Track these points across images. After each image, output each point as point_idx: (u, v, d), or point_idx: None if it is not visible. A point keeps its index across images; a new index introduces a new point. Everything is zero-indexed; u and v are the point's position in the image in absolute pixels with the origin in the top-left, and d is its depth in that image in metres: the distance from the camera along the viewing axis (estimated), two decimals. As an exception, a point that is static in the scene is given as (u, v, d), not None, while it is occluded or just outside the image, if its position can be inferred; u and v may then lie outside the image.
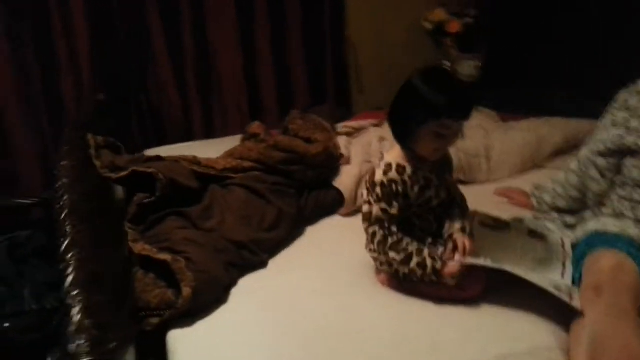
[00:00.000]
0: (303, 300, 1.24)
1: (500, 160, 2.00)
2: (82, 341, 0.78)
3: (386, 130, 2.13)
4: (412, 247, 1.21)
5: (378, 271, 1.30)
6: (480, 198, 1.75)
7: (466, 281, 1.22)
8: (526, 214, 1.57)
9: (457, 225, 1.29)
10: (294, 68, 2.84)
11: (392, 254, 1.20)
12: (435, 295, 1.23)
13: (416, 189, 1.23)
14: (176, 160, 1.50)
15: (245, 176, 1.50)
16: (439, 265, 1.19)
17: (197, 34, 2.56)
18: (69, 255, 0.95)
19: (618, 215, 1.35)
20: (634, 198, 1.32)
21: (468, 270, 1.20)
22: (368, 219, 1.22)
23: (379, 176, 1.21)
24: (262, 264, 1.36)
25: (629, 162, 1.33)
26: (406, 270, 1.20)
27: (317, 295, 1.26)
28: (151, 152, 2.10)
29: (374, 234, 1.21)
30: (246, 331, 1.15)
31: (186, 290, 1.13)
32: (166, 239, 1.26)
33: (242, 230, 1.35)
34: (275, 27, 2.72)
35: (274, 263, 1.40)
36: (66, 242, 0.98)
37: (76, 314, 0.84)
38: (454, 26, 2.89)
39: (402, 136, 1.22)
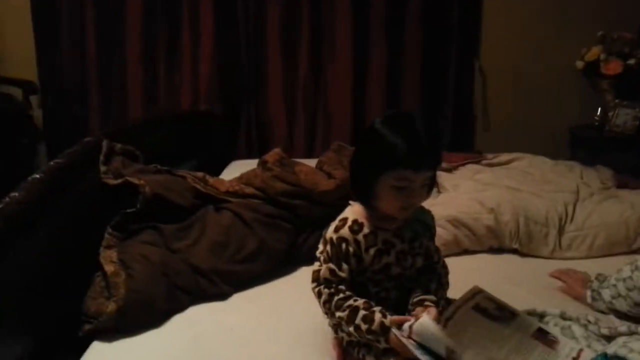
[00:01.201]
0: (233, 345, 1.13)
1: (578, 237, 1.64)
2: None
3: (449, 178, 1.92)
4: (360, 302, 1.00)
5: (334, 342, 1.11)
6: (528, 274, 1.49)
7: None
8: (556, 311, 1.23)
9: (430, 297, 1.06)
10: (407, 94, 2.78)
11: (338, 313, 1.00)
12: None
13: (371, 252, 1.03)
14: (184, 176, 1.52)
15: (241, 202, 1.45)
16: (387, 322, 0.97)
17: (312, 51, 2.71)
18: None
19: None
20: None
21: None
22: (316, 278, 1.04)
23: (330, 232, 1.05)
24: (221, 296, 1.28)
25: None
26: (351, 329, 0.99)
27: (252, 345, 1.14)
28: (239, 164, 2.26)
29: (319, 294, 1.03)
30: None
31: (111, 306, 1.12)
32: (128, 250, 1.27)
33: (209, 258, 1.29)
34: (392, 49, 2.72)
35: (239, 296, 1.32)
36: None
37: None
38: (614, 67, 2.51)
39: (360, 190, 1.05)
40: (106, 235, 1.34)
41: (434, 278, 1.12)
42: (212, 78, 2.72)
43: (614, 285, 1.27)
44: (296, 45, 2.70)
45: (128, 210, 1.36)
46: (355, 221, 1.04)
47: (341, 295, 1.00)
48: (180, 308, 1.24)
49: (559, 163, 2.09)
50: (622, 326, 1.11)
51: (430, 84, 2.79)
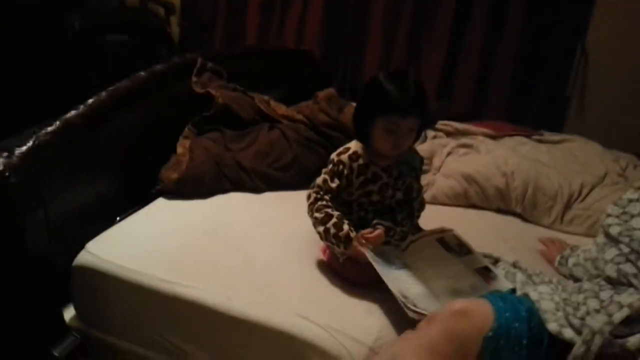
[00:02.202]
0: (248, 225, 1.50)
1: (582, 215, 1.78)
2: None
3: (489, 144, 2.09)
4: (336, 213, 1.29)
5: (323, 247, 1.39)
6: (521, 236, 1.68)
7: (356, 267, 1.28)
8: (510, 259, 1.42)
9: (387, 223, 1.33)
10: (499, 72, 2.84)
11: (316, 214, 1.30)
12: (339, 271, 1.32)
13: (361, 178, 1.32)
14: (252, 97, 1.91)
15: (290, 125, 1.81)
16: (353, 235, 1.25)
17: (412, 26, 2.85)
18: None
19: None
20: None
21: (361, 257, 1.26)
22: (313, 184, 1.36)
23: (334, 154, 1.36)
24: (256, 190, 1.68)
25: None
26: (321, 229, 1.28)
27: (262, 230, 1.48)
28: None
29: (309, 196, 1.34)
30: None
31: (174, 175, 1.57)
32: (197, 142, 1.71)
33: (253, 160, 1.69)
34: (491, 29, 2.76)
35: (269, 194, 1.70)
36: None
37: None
38: None
39: (359, 130, 1.32)
40: (186, 129, 1.79)
41: (405, 210, 1.39)
42: (317, 26, 3.01)
43: (578, 255, 1.45)
44: (399, 11, 2.85)
45: (204, 114, 1.80)
46: (355, 152, 1.33)
47: (324, 202, 1.30)
48: (224, 190, 1.66)
49: (609, 152, 2.15)
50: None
51: (525, 61, 2.83)
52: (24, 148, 1.20)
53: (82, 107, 1.39)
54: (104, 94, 1.48)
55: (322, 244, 1.36)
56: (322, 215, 1.29)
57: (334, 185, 1.32)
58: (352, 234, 1.26)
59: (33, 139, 1.23)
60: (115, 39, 3.11)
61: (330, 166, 1.35)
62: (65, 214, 1.29)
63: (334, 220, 1.27)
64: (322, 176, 1.35)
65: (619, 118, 2.83)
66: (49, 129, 1.28)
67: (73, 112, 1.36)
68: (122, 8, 3.42)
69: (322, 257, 1.38)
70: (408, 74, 1.31)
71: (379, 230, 1.29)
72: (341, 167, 1.32)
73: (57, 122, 1.30)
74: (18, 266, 1.19)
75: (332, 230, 1.26)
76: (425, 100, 1.29)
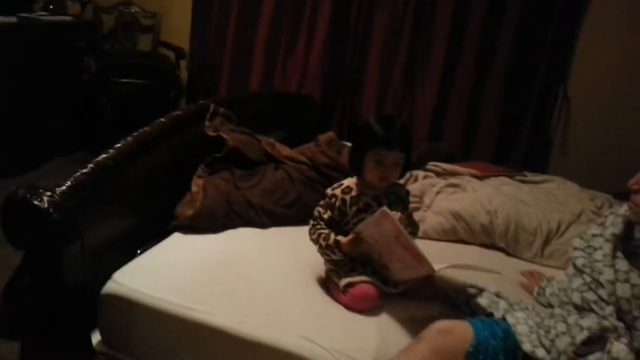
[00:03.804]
0: (255, 257, 1.67)
1: (560, 250, 1.95)
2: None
3: (475, 183, 2.27)
4: (325, 230, 1.50)
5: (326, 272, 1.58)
6: (504, 268, 1.81)
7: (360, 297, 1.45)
8: (493, 289, 1.56)
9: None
10: (486, 111, 3.06)
11: (313, 236, 1.53)
12: (339, 300, 1.49)
13: (354, 209, 1.52)
14: (259, 139, 2.10)
15: (293, 165, 2.00)
16: (339, 239, 1.46)
17: (406, 65, 3.10)
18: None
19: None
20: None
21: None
22: (312, 215, 1.56)
23: (329, 189, 1.57)
24: (263, 225, 1.85)
25: None
26: (317, 247, 1.50)
27: (267, 262, 1.64)
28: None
29: (310, 224, 1.55)
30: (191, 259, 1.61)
31: (189, 212, 1.74)
32: (209, 181, 1.88)
33: (260, 198, 1.86)
34: (479, 68, 3.01)
35: (276, 229, 1.87)
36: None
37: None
38: None
39: (354, 164, 1.54)
40: (199, 168, 1.97)
41: None
42: (318, 69, 3.26)
43: (553, 285, 1.61)
44: (394, 57, 3.11)
45: (216, 155, 1.98)
46: (347, 186, 1.55)
47: (318, 227, 1.52)
48: (233, 226, 1.82)
49: (585, 191, 2.34)
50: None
51: (510, 104, 3.04)
52: (64, 187, 1.37)
53: (111, 150, 1.57)
54: (130, 138, 1.66)
55: (323, 270, 1.56)
56: (316, 236, 1.52)
57: (326, 216, 1.54)
58: (339, 238, 1.47)
59: (71, 179, 1.40)
60: (128, 81, 3.33)
61: (325, 199, 1.56)
62: (96, 246, 1.45)
63: (323, 235, 1.50)
64: (318, 208, 1.57)
65: (599, 159, 3.02)
66: (84, 170, 1.45)
67: (104, 155, 1.54)
68: (135, 52, 3.66)
69: (332, 294, 1.52)
70: (394, 117, 1.54)
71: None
72: (334, 199, 1.54)
73: (91, 165, 1.48)
74: (55, 294, 1.34)
75: (324, 243, 1.49)
76: (409, 138, 1.52)
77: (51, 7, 3.43)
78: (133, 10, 3.63)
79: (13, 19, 3.07)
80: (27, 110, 3.16)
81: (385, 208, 1.39)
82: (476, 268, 1.56)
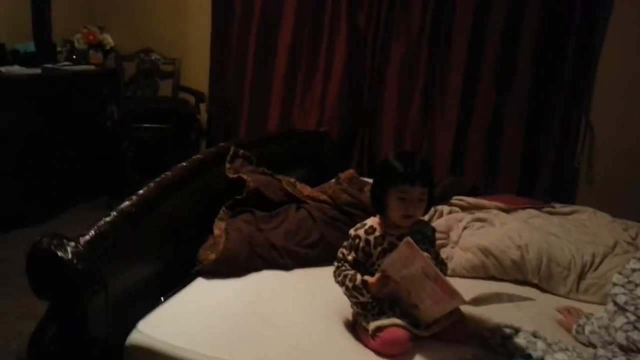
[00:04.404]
0: (281, 301, 1.63)
1: (596, 284, 1.87)
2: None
3: (502, 217, 2.21)
4: (352, 272, 1.45)
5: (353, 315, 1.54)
6: (539, 305, 1.75)
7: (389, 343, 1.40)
8: (530, 329, 1.50)
9: None
10: (508, 142, 3.02)
11: (339, 278, 1.48)
12: (368, 345, 1.43)
13: (379, 249, 1.48)
14: (280, 180, 2.09)
15: (316, 205, 1.97)
16: (365, 278, 1.42)
17: (424, 94, 3.11)
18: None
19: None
20: None
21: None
22: (336, 256, 1.53)
23: (352, 230, 1.53)
24: (286, 267, 1.82)
25: None
26: (344, 289, 1.46)
27: (294, 305, 1.61)
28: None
29: (335, 266, 1.51)
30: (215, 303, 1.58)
31: (212, 256, 1.71)
32: (231, 223, 1.86)
33: (283, 239, 1.84)
34: (499, 97, 2.99)
35: (300, 271, 1.84)
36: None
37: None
38: None
39: (376, 203, 1.51)
40: (221, 211, 1.95)
41: None
42: (336, 105, 3.29)
43: (592, 323, 1.54)
44: (411, 91, 3.14)
45: (237, 197, 1.97)
46: (371, 226, 1.51)
47: (343, 268, 1.48)
48: (257, 269, 1.79)
49: (617, 221, 2.25)
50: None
51: (532, 135, 3.01)
52: (87, 237, 1.36)
53: (134, 197, 1.57)
54: (152, 184, 1.66)
55: (350, 313, 1.50)
56: (341, 278, 1.48)
57: (350, 257, 1.50)
58: (365, 278, 1.42)
59: (94, 228, 1.40)
60: (150, 126, 3.39)
61: (349, 240, 1.52)
62: (120, 294, 1.43)
63: (349, 276, 1.45)
64: (341, 249, 1.53)
65: (628, 187, 2.95)
66: (107, 218, 1.45)
67: (127, 203, 1.54)
68: (156, 98, 3.74)
69: (361, 339, 1.47)
70: (413, 152, 1.52)
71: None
72: (357, 240, 1.50)
73: (114, 213, 1.47)
74: (80, 344, 1.32)
75: (350, 284, 1.44)
76: (430, 172, 1.49)
77: (74, 57, 3.53)
78: (153, 58, 3.72)
79: (38, 71, 3.17)
80: (52, 157, 3.23)
81: (408, 238, 1.35)
82: (508, 297, 1.49)
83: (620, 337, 1.22)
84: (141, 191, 1.61)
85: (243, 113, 3.53)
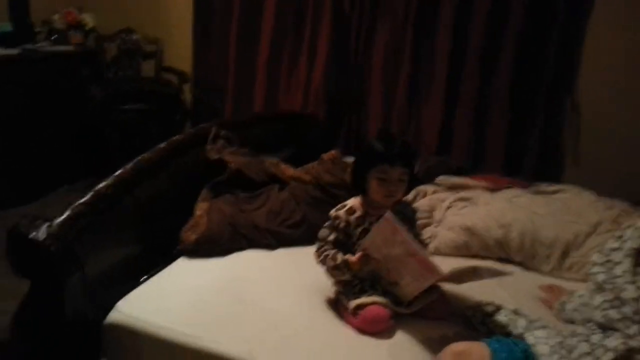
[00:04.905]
0: (262, 278, 1.63)
1: (579, 262, 1.86)
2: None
3: (487, 196, 2.21)
4: (331, 251, 1.46)
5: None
6: (522, 283, 1.77)
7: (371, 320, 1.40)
8: (511, 307, 1.50)
9: None
10: (493, 124, 3.00)
11: (320, 257, 1.48)
12: (349, 323, 1.44)
13: (359, 229, 1.48)
14: (263, 160, 2.06)
15: (298, 185, 1.95)
16: (346, 258, 1.42)
17: (410, 78, 3.06)
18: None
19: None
20: None
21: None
22: (318, 237, 1.52)
23: (333, 211, 1.52)
24: (269, 247, 1.81)
25: None
26: (325, 268, 1.47)
27: (275, 283, 1.61)
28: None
29: (316, 246, 1.51)
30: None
31: (193, 237, 1.70)
32: (213, 204, 1.84)
33: (265, 220, 1.82)
34: (483, 80, 2.95)
35: (283, 250, 1.82)
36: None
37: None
38: None
39: (357, 183, 1.50)
40: (202, 192, 1.93)
41: None
42: (322, 87, 3.24)
43: (574, 301, 1.54)
44: (397, 72, 3.07)
45: (219, 178, 1.94)
46: (351, 207, 1.50)
47: (324, 248, 1.47)
48: (240, 248, 1.78)
49: (603, 200, 2.25)
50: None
51: (517, 115, 2.98)
52: (62, 218, 1.34)
53: (110, 178, 1.54)
54: (128, 166, 1.63)
55: (332, 292, 1.51)
56: (322, 257, 1.48)
57: (331, 238, 1.49)
58: (346, 257, 1.43)
59: (69, 209, 1.37)
60: (133, 107, 3.33)
61: (329, 221, 1.51)
62: (98, 275, 1.41)
63: (330, 255, 1.45)
64: (322, 230, 1.52)
65: (614, 165, 2.95)
66: (83, 199, 1.42)
67: (103, 184, 1.51)
68: (139, 79, 3.67)
69: (344, 320, 1.47)
70: (394, 134, 1.51)
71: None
72: (338, 221, 1.50)
73: (90, 193, 1.45)
74: (57, 325, 1.30)
75: (332, 264, 1.45)
76: (410, 153, 1.49)
77: (53, 37, 3.45)
78: (135, 38, 3.64)
79: (16, 51, 3.09)
80: (32, 140, 3.17)
81: (388, 212, 1.36)
82: (488, 271, 1.51)
83: (598, 315, 1.22)
84: (118, 172, 1.58)
85: (228, 94, 3.48)
